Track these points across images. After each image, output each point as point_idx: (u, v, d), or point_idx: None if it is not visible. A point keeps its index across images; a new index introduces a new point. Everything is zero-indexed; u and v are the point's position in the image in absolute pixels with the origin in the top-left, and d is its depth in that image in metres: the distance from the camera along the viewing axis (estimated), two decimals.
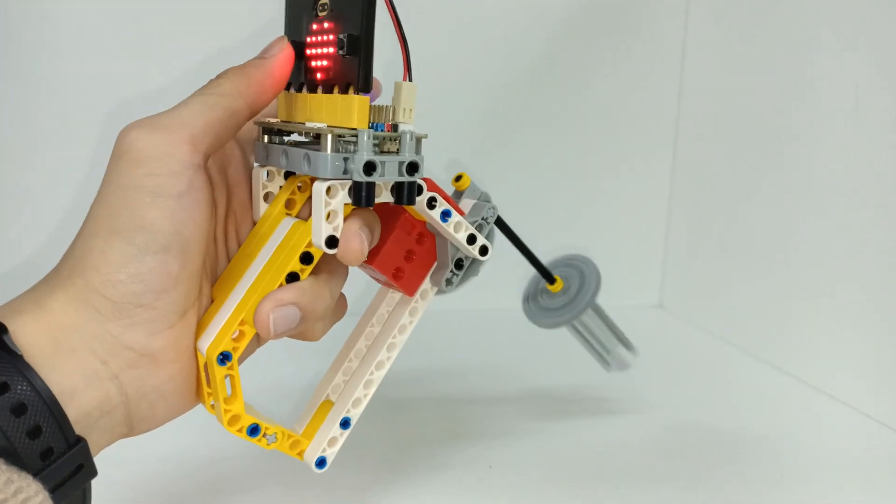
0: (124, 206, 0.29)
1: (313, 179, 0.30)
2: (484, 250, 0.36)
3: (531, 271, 0.45)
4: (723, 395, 0.57)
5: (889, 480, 0.44)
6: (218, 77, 0.31)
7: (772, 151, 0.63)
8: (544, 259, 0.45)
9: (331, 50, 0.31)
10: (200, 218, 0.30)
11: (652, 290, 0.81)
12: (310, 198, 0.33)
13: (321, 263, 0.32)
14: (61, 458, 0.27)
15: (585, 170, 0.78)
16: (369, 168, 0.29)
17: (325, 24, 0.31)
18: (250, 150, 0.35)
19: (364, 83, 0.29)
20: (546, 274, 0.44)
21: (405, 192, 0.31)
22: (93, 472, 0.29)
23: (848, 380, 0.55)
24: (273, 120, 0.34)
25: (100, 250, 0.28)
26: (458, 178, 0.38)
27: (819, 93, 0.57)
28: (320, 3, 0.31)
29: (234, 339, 0.31)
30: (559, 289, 0.45)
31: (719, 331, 0.71)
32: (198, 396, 0.32)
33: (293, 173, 0.34)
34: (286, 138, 0.33)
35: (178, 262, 0.29)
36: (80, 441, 0.28)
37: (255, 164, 0.34)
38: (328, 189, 0.30)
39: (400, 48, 0.31)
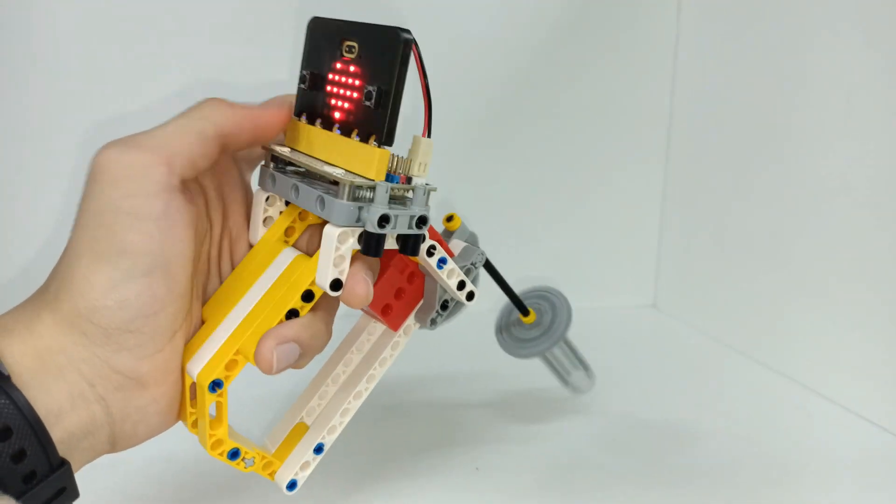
0: (104, 230, 0.29)
1: (324, 220, 0.31)
2: (471, 296, 0.37)
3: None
4: (717, 396, 0.57)
5: (883, 483, 0.44)
6: (202, 101, 0.31)
7: (766, 150, 0.62)
8: (518, 288, 0.46)
9: (355, 95, 0.31)
10: (182, 238, 0.30)
11: (646, 290, 0.81)
12: (310, 226, 0.34)
13: (319, 300, 0.33)
14: (44, 480, 0.27)
15: (578, 170, 0.77)
16: (383, 221, 0.30)
17: (351, 68, 0.31)
18: (247, 168, 0.35)
19: (388, 137, 0.30)
20: (521, 307, 0.45)
21: (411, 244, 0.32)
22: (75, 495, 0.29)
23: (844, 381, 0.54)
24: (283, 149, 0.33)
25: (83, 276, 0.28)
26: (450, 219, 0.39)
27: (813, 90, 0.57)
28: (346, 44, 0.31)
29: (227, 368, 0.31)
30: (532, 320, 0.46)
31: (713, 331, 0.70)
32: (179, 415, 0.32)
33: None
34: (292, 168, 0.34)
35: (164, 284, 0.29)
36: (63, 464, 0.28)
37: (257, 187, 0.34)
38: (339, 235, 0.30)
39: (423, 104, 0.32)
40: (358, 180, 0.29)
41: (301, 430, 0.37)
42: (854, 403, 0.53)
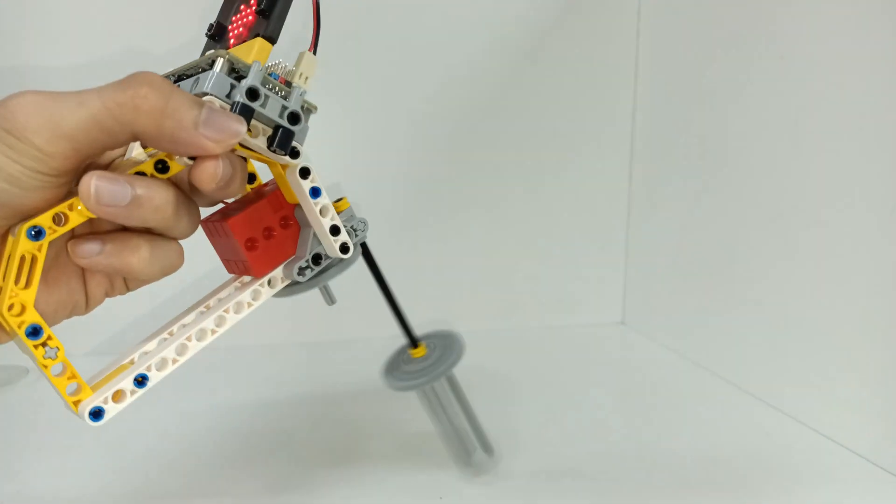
0: None
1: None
2: (345, 248, 0.35)
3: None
4: (683, 413, 0.56)
5: (841, 501, 0.43)
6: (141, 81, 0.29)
7: (731, 166, 0.62)
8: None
9: (249, 18, 0.32)
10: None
11: (614, 307, 0.81)
12: None
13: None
14: None
15: (543, 188, 0.77)
16: (253, 94, 0.30)
17: (250, 6, 0.32)
18: None
19: (272, 30, 0.30)
20: (411, 337, 0.43)
21: (279, 137, 0.31)
22: None
23: (808, 399, 0.54)
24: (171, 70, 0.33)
25: None
26: (338, 200, 0.36)
27: (769, 111, 0.57)
28: None
29: (53, 220, 0.28)
30: (421, 354, 0.44)
31: (681, 348, 0.70)
32: None
33: None
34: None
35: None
36: None
37: None
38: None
39: (312, 20, 0.32)
40: (235, 59, 0.30)
41: (128, 367, 0.33)
42: (819, 423, 0.53)
